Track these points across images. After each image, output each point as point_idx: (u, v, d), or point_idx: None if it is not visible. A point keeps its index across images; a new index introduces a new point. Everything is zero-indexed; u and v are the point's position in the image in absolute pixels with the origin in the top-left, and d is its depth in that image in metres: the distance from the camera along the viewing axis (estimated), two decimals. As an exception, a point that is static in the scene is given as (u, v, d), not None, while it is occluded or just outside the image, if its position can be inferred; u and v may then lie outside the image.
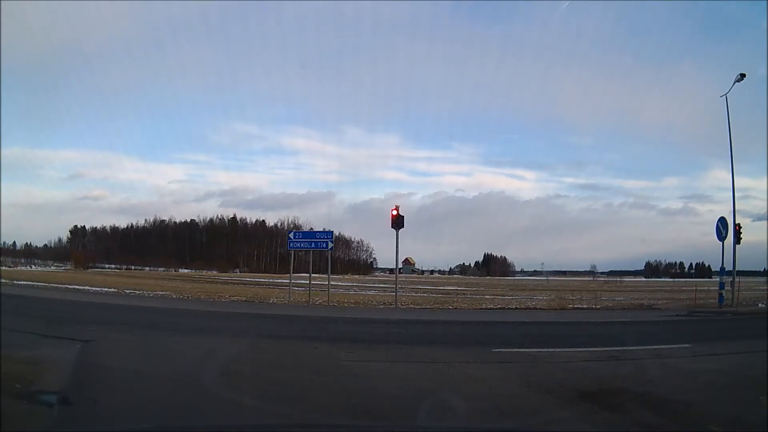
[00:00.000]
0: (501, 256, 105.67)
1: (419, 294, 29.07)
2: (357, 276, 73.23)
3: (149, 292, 22.32)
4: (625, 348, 8.68)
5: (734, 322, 15.53)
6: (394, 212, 19.81)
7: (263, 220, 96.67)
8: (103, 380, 5.52)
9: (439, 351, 8.27)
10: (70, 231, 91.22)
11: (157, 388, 5.35)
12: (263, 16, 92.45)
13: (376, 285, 39.19)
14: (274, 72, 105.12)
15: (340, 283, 37.48)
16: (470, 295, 30.09)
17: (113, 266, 77.51)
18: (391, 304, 19.31)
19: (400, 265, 39.70)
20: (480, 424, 4.66)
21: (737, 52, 71.61)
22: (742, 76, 19.83)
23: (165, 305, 16.76)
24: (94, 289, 23.07)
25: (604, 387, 5.80)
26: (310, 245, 21.10)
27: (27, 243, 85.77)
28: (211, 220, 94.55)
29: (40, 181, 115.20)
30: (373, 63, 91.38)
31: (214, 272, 72.10)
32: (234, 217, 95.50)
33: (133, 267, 76.94)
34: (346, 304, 19.52)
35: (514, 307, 20.66)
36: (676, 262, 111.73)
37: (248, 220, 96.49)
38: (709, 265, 79.83)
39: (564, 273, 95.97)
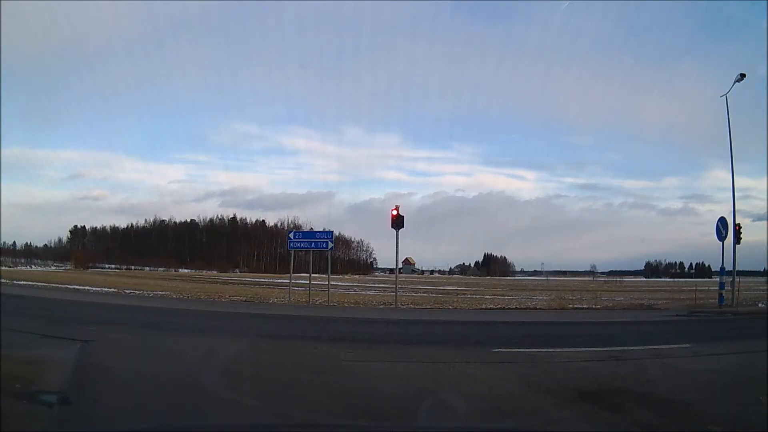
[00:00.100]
0: (501, 256, 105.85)
1: (419, 294, 29.07)
2: (357, 276, 73.22)
3: (149, 292, 22.32)
4: (625, 348, 8.68)
5: (734, 322, 15.53)
6: (394, 212, 19.81)
7: (263, 220, 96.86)
8: (103, 380, 5.52)
9: (439, 351, 8.27)
10: (70, 231, 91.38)
11: (157, 388, 5.35)
12: (263, 16, 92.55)
13: (376, 285, 39.19)
14: (274, 72, 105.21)
15: (340, 283, 37.48)
16: (470, 295, 30.09)
17: (113, 266, 77.51)
18: (391, 304, 19.31)
19: (400, 265, 39.73)
20: (480, 424, 4.66)
21: (737, 52, 71.71)
22: (742, 76, 19.84)
23: (165, 305, 16.76)
24: (94, 289, 23.07)
25: (604, 387, 5.80)
26: (310, 245, 21.10)
27: (27, 243, 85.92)
28: (211, 220, 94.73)
29: (40, 181, 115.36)
30: (373, 63, 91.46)
31: (214, 272, 72.10)
32: (234, 217, 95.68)
33: (133, 267, 76.94)
34: (346, 304, 19.52)
35: (514, 307, 20.66)
36: (676, 262, 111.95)
37: (248, 220, 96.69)
38: (709, 265, 79.96)
39: (564, 273, 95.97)
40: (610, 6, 74.74)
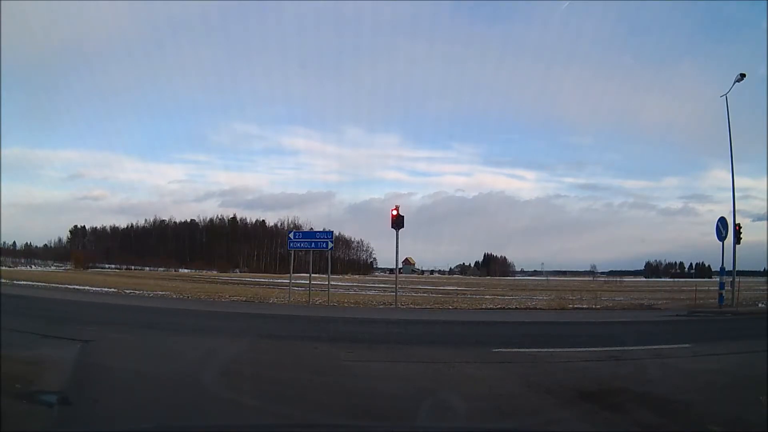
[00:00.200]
0: (501, 256, 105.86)
1: (419, 294, 29.07)
2: (357, 276, 73.22)
3: (149, 292, 22.32)
4: (625, 348, 8.68)
5: (734, 322, 15.53)
6: (394, 212, 19.81)
7: (263, 220, 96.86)
8: (103, 380, 5.52)
9: (439, 351, 8.27)
10: (70, 231, 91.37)
11: (157, 388, 5.35)
12: (263, 16, 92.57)
13: (376, 285, 39.19)
14: (274, 72, 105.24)
15: (340, 283, 37.48)
16: (470, 295, 30.09)
17: (113, 266, 77.51)
18: (391, 304, 19.31)
19: (400, 265, 39.73)
20: (480, 424, 4.66)
21: (737, 52, 71.71)
22: (742, 76, 19.84)
23: (165, 305, 16.76)
24: (94, 289, 23.07)
25: (604, 387, 5.80)
26: (310, 245, 21.10)
27: (27, 243, 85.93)
28: (211, 220, 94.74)
29: (40, 181, 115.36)
30: (373, 63, 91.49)
31: (214, 272, 72.10)
32: (234, 217, 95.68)
33: (133, 267, 76.94)
34: (346, 304, 19.52)
35: (514, 307, 20.66)
36: (676, 262, 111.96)
37: (248, 220, 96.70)
38: (709, 265, 79.96)
39: (564, 273, 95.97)
40: (610, 6, 74.83)
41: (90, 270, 62.75)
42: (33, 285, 24.02)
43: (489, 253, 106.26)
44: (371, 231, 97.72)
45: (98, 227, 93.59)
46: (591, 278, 79.54)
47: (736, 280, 19.78)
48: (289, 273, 23.56)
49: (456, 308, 19.57)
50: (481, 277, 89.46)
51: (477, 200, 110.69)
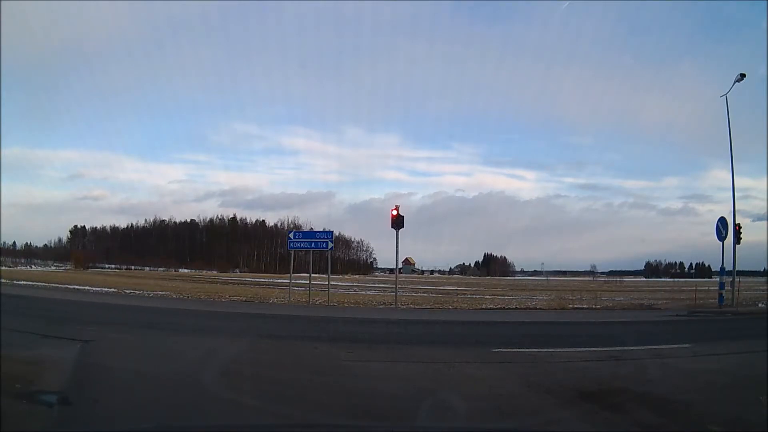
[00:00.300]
0: (501, 256, 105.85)
1: (419, 294, 29.07)
2: (357, 276, 73.22)
3: (149, 292, 22.32)
4: (625, 348, 8.68)
5: (734, 322, 15.53)
6: (394, 212, 19.81)
7: (263, 220, 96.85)
8: (103, 380, 5.52)
9: (439, 351, 8.27)
10: (70, 231, 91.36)
11: (157, 388, 5.35)
12: (263, 16, 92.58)
13: (376, 285, 39.19)
14: (274, 72, 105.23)
15: (340, 283, 37.48)
16: (470, 295, 30.09)
17: (113, 266, 77.50)
18: (391, 304, 19.31)
19: (400, 265, 39.73)
20: (480, 424, 4.66)
21: (737, 52, 71.70)
22: (742, 76, 19.84)
23: (165, 305, 16.76)
24: (94, 289, 23.07)
25: (604, 387, 5.80)
26: (310, 245, 21.10)
27: (27, 243, 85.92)
28: (211, 220, 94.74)
29: (40, 181, 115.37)
30: (373, 63, 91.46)
31: (214, 272, 72.09)
32: (234, 217, 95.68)
33: (133, 267, 76.94)
34: (346, 304, 19.52)
35: (514, 307, 20.66)
36: (676, 262, 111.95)
37: (248, 220, 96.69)
38: (709, 265, 79.95)
39: (564, 273, 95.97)
40: (610, 6, 74.84)
41: (90, 270, 62.75)
42: (33, 285, 24.02)
43: (489, 253, 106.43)
44: (371, 231, 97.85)
45: (98, 227, 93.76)
46: (591, 278, 79.54)
47: (736, 280, 19.77)
48: (289, 273, 23.56)
49: (456, 308, 19.57)
50: (481, 277, 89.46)
51: (477, 200, 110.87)
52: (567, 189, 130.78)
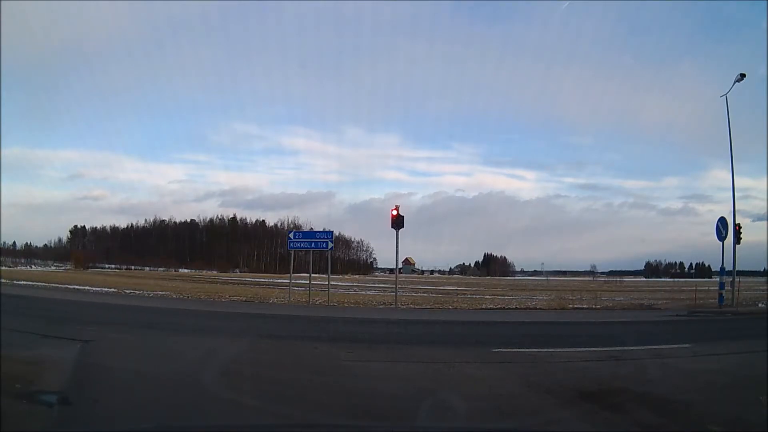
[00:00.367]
0: (501, 256, 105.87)
1: (419, 294, 29.07)
2: (357, 276, 73.21)
3: (149, 292, 22.32)
4: (625, 348, 8.68)
5: (734, 322, 15.53)
6: (394, 212, 19.81)
7: (263, 220, 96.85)
8: (103, 380, 5.52)
9: (439, 351, 8.27)
10: (70, 231, 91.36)
11: (157, 388, 5.35)
12: (263, 16, 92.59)
13: (376, 285, 39.19)
14: (274, 72, 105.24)
15: (340, 283, 37.48)
16: (470, 295, 30.09)
17: (113, 266, 77.49)
18: (391, 304, 19.31)
19: (400, 265, 39.72)
20: (480, 424, 4.66)
21: (737, 52, 71.69)
22: (742, 76, 19.83)
23: (165, 305, 16.76)
24: (94, 289, 23.07)
25: (604, 387, 5.80)
26: (310, 245, 21.10)
27: (27, 243, 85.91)
28: (211, 220, 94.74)
29: (40, 181, 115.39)
30: (373, 63, 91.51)
31: (214, 272, 72.10)
32: (234, 217, 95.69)
33: (133, 267, 76.93)
34: (346, 304, 19.52)
35: (514, 307, 20.66)
36: (676, 262, 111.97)
37: (248, 220, 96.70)
38: (709, 265, 79.96)
39: (564, 273, 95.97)
40: (610, 6, 74.85)
41: (90, 270, 62.74)
42: (33, 285, 24.02)
43: (489, 253, 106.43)
44: (371, 231, 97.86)
45: (98, 227, 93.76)
46: (591, 278, 79.52)
47: (736, 280, 19.77)
48: (289, 273, 23.56)
49: (456, 308, 19.57)
50: (481, 277, 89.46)
51: (477, 200, 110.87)
52: (567, 189, 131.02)
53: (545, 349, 8.59)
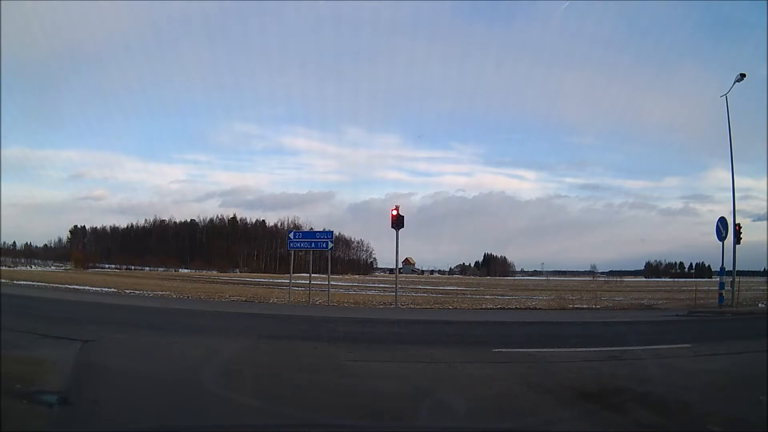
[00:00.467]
0: (501, 256, 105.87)
1: (419, 294, 29.07)
2: (357, 276, 73.23)
3: (149, 292, 22.32)
4: (625, 348, 8.69)
5: (734, 322, 15.52)
6: (394, 212, 19.81)
7: (263, 220, 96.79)
8: (103, 380, 5.51)
9: (439, 351, 8.26)
10: (70, 231, 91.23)
11: (157, 388, 5.34)
12: (263, 16, 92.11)
13: (376, 285, 39.20)
14: (274, 72, 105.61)
15: (340, 283, 37.47)
16: (470, 295, 30.10)
17: (113, 266, 77.45)
18: (391, 304, 19.31)
19: (400, 265, 39.65)
20: (480, 424, 4.65)
21: (737, 52, 71.46)
22: (742, 76, 19.81)
23: (165, 305, 16.75)
24: (93, 289, 23.06)
25: (604, 387, 5.80)
26: (310, 245, 21.11)
27: (27, 243, 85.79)
28: (211, 220, 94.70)
29: (41, 181, 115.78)
30: (373, 63, 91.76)
31: (214, 272, 72.10)
32: (234, 217, 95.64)
33: (133, 267, 76.87)
34: (346, 304, 19.53)
35: (514, 307, 20.67)
36: (676, 262, 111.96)
37: (248, 220, 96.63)
38: (709, 265, 79.87)
39: (564, 273, 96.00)
40: (610, 6, 75.18)
41: (90, 270, 62.75)
42: (33, 285, 24.01)
43: (489, 253, 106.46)
44: (371, 231, 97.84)
45: (98, 227, 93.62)
46: (591, 278, 79.43)
47: (736, 280, 19.76)
48: (289, 273, 23.56)
49: (456, 308, 19.58)
50: (481, 277, 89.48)
51: (477, 200, 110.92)
52: (567, 189, 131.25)
53: (545, 349, 8.59)
